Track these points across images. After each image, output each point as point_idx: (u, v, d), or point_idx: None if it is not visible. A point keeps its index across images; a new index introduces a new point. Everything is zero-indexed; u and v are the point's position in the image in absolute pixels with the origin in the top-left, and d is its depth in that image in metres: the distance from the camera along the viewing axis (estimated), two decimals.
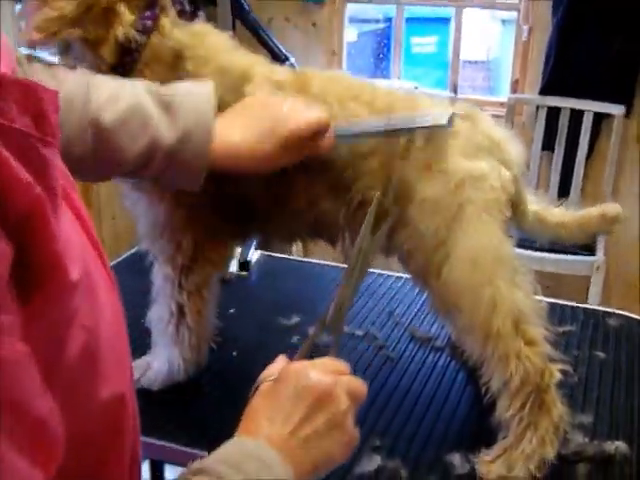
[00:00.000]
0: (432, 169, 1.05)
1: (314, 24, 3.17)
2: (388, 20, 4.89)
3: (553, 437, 1.02)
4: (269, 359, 1.35)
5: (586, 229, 1.17)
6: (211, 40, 1.05)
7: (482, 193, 1.04)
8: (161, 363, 1.20)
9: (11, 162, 0.39)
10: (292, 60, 2.82)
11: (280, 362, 0.77)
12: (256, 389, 0.74)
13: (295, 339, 1.38)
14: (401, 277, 1.62)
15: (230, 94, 1.01)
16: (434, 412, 1.17)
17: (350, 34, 3.53)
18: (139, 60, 1.00)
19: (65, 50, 1.00)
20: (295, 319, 1.44)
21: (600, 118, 2.87)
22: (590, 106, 2.84)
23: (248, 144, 0.94)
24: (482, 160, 1.05)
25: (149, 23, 0.99)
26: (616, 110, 2.80)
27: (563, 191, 2.93)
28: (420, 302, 1.52)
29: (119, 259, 1.76)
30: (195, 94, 0.94)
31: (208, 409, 1.18)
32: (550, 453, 1.01)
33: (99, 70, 0.98)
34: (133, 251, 1.80)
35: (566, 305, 1.49)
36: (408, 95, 1.12)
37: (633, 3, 2.68)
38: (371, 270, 1.68)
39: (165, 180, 0.98)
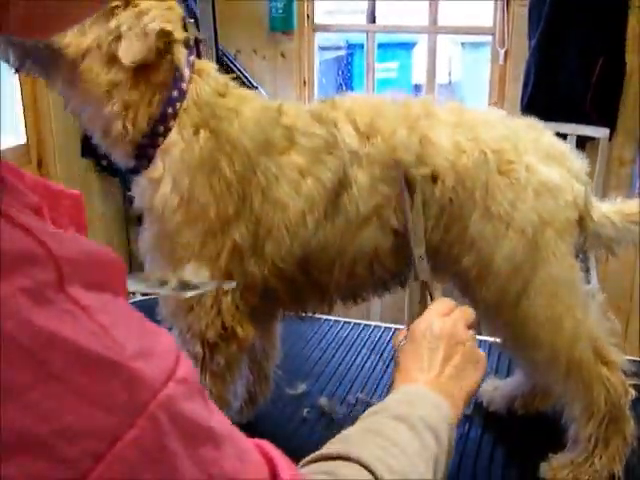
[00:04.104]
0: (504, 168, 0.97)
1: (283, 54, 3.04)
2: (351, 47, 4.80)
3: (623, 454, 1.03)
4: (278, 440, 1.19)
5: None
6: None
7: (558, 210, 0.97)
8: None
9: None
10: (262, 92, 2.69)
11: (402, 332, 0.88)
12: (394, 353, 0.87)
13: (305, 412, 1.22)
14: None
15: (271, 126, 0.98)
16: None
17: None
18: (180, 107, 0.94)
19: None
20: (302, 387, 1.29)
21: (583, 142, 2.79)
22: (573, 130, 2.74)
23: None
24: (553, 169, 0.98)
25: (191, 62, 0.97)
26: (600, 133, 2.72)
27: None
28: None
29: None
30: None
31: None
32: (619, 469, 1.03)
33: (123, 138, 0.94)
34: None
35: None
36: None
37: (612, 24, 2.62)
38: (376, 324, 1.54)
39: None
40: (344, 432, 0.65)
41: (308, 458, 0.60)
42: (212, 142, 0.92)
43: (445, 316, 0.85)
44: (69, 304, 0.37)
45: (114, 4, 0.87)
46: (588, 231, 1.03)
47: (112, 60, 0.89)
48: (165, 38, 0.89)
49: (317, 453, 0.61)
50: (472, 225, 0.97)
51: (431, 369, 0.79)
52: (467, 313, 0.86)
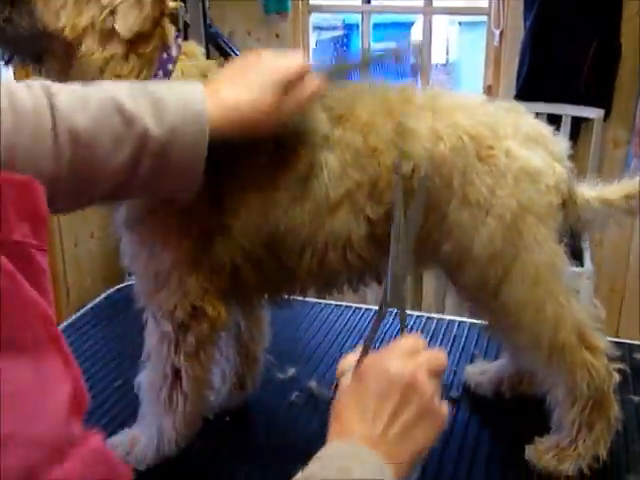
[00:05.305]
0: (484, 154, 0.96)
1: (277, 35, 3.03)
2: (348, 27, 4.77)
3: (607, 438, 1.04)
4: (267, 424, 1.21)
5: None
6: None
7: (539, 196, 0.97)
8: (150, 437, 1.06)
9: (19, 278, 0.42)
10: None
11: (355, 353, 0.72)
12: (336, 385, 0.72)
13: (294, 396, 1.24)
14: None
15: None
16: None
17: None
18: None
19: None
20: (291, 371, 1.30)
21: (578, 122, 2.78)
22: (568, 110, 2.74)
23: (248, 98, 0.84)
24: (534, 152, 0.97)
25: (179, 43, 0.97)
26: (595, 114, 2.71)
27: None
28: None
29: (87, 308, 1.60)
30: (185, 89, 0.84)
31: None
32: (603, 452, 1.04)
33: None
34: (104, 296, 1.65)
35: None
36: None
37: (607, 6, 2.60)
38: (366, 307, 1.55)
39: (156, 187, 0.85)
40: None
41: None
42: None
43: (408, 357, 0.69)
44: None
45: None
46: (571, 214, 1.03)
47: (107, 36, 0.89)
48: (159, 6, 0.90)
49: None
50: (451, 213, 0.97)
51: (376, 423, 0.66)
52: (436, 359, 0.71)
